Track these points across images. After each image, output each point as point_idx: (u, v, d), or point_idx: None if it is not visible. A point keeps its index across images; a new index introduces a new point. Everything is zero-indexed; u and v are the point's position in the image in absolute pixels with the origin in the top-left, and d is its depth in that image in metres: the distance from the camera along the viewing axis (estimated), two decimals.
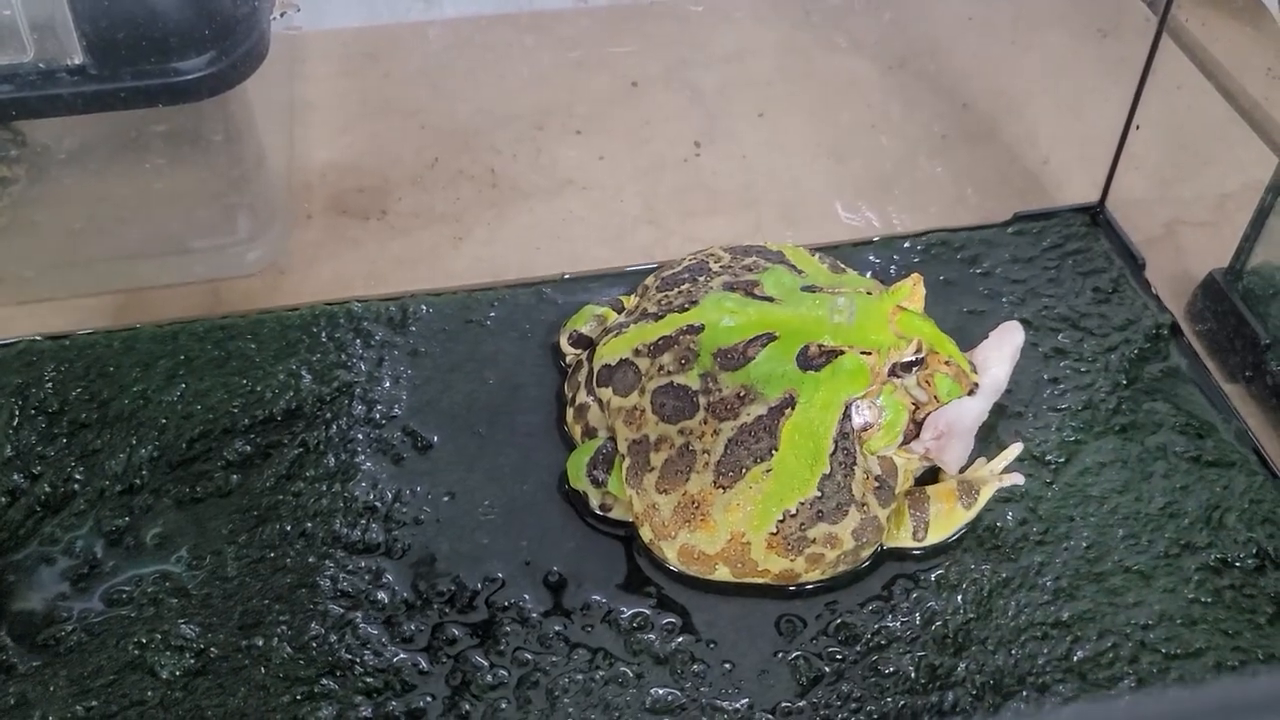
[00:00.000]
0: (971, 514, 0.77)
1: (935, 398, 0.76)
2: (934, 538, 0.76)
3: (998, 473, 0.79)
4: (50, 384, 0.87)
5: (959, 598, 0.75)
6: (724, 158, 1.13)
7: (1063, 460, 0.82)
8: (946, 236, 0.99)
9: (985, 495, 0.77)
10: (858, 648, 0.73)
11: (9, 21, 0.80)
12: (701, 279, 0.83)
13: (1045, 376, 0.88)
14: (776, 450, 0.73)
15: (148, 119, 0.90)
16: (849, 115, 1.17)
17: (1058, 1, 1.30)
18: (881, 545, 0.76)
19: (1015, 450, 0.80)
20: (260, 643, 0.73)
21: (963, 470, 0.80)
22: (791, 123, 1.16)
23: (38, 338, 0.91)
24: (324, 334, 0.91)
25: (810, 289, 0.79)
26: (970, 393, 0.77)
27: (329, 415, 0.86)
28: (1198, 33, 1.13)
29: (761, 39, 1.26)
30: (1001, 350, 0.81)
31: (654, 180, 1.10)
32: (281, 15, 0.87)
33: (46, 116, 0.84)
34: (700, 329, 0.77)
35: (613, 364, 0.79)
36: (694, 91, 1.20)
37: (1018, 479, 0.78)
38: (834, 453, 0.73)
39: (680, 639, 0.74)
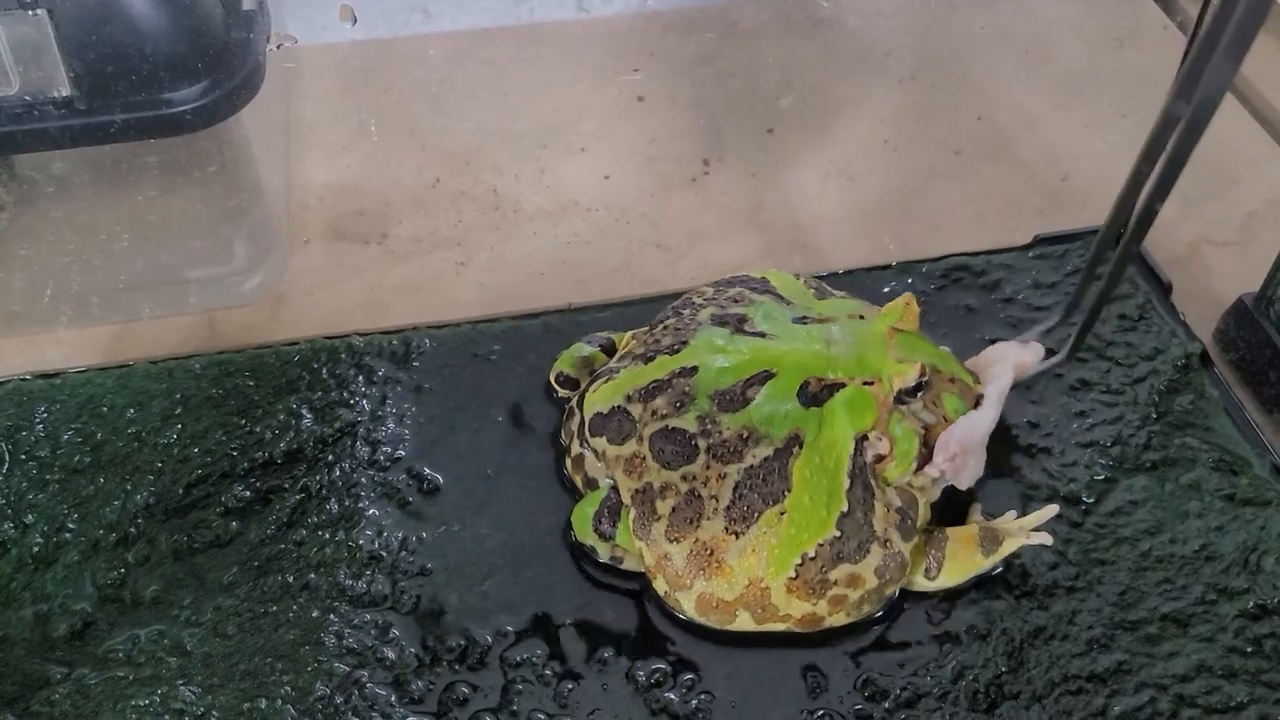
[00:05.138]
0: (989, 563, 0.74)
1: (944, 418, 0.73)
2: (946, 580, 0.73)
3: (1027, 529, 0.75)
4: (41, 426, 0.84)
5: (990, 649, 0.72)
6: (733, 177, 1.09)
7: (1092, 500, 0.79)
8: (966, 261, 0.96)
9: (1007, 548, 0.74)
10: (886, 704, 0.70)
11: None
12: (686, 312, 0.80)
13: (1073, 410, 0.85)
14: (789, 492, 0.70)
15: (140, 149, 0.86)
16: (861, 131, 1.14)
17: (1073, 11, 1.27)
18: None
19: (1050, 512, 0.75)
20: (263, 705, 0.70)
21: (985, 511, 0.76)
22: (802, 140, 1.13)
23: (28, 376, 0.88)
24: (324, 370, 0.88)
25: (801, 320, 0.76)
26: (975, 405, 0.74)
27: (331, 457, 0.83)
28: None
29: (769, 52, 1.22)
30: (1004, 358, 0.78)
31: (661, 201, 1.07)
32: (278, 47, 0.84)
33: (32, 151, 0.81)
34: (694, 370, 0.74)
35: (604, 412, 0.76)
36: (702, 107, 1.16)
37: (1046, 539, 0.74)
38: (850, 488, 0.70)
39: (701, 696, 0.71)
